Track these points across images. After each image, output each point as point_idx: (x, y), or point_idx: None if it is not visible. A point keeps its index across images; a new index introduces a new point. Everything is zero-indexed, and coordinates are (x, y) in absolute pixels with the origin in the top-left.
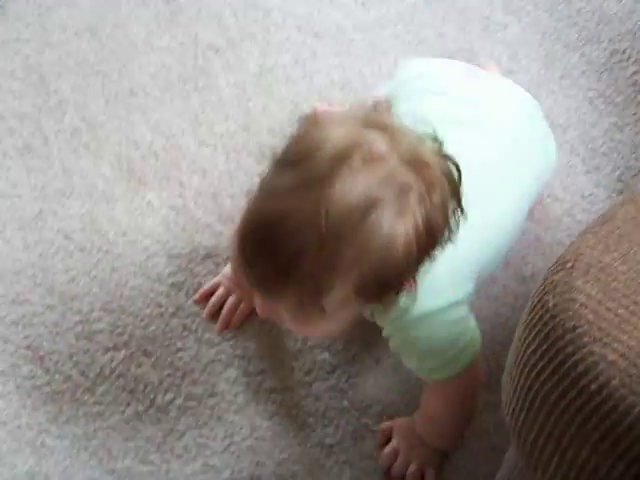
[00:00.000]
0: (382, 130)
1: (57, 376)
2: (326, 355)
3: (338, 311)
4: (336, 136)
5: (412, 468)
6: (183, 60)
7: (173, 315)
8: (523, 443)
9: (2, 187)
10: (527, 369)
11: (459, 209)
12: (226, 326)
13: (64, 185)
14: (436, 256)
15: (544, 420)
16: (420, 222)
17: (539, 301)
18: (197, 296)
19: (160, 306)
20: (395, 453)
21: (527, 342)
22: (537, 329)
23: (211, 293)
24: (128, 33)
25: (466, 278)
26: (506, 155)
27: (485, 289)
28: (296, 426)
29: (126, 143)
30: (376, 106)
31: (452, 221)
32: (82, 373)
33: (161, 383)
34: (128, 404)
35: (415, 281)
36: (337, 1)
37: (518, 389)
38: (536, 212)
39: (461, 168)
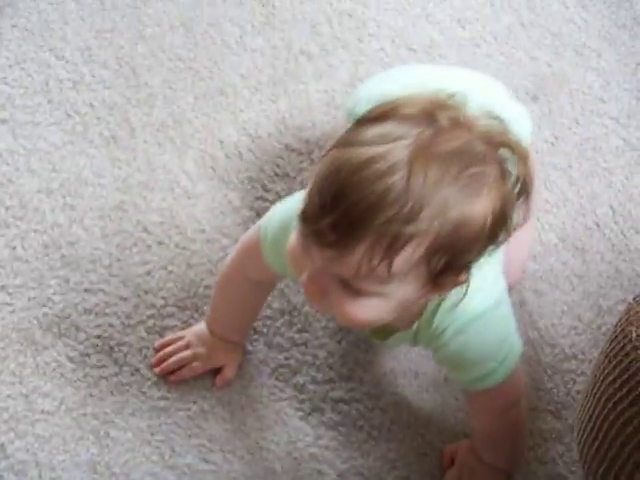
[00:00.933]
0: (458, 109)
1: (125, 368)
2: (395, 367)
3: (401, 279)
4: (419, 99)
5: None
6: (274, 63)
7: None
8: (593, 474)
9: (85, 175)
10: (604, 399)
11: (527, 199)
12: (167, 373)
13: (147, 178)
14: (499, 245)
15: (617, 452)
16: (497, 203)
17: (622, 331)
18: (157, 344)
19: None
20: (458, 476)
21: (606, 372)
22: (617, 359)
23: (171, 344)
24: (222, 32)
25: (500, 270)
26: None
27: (560, 317)
28: (360, 438)
29: (212, 141)
30: (452, 95)
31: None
32: (150, 367)
33: (229, 385)
34: (194, 402)
35: (469, 273)
36: (433, 16)
37: (593, 418)
38: (616, 244)
39: None
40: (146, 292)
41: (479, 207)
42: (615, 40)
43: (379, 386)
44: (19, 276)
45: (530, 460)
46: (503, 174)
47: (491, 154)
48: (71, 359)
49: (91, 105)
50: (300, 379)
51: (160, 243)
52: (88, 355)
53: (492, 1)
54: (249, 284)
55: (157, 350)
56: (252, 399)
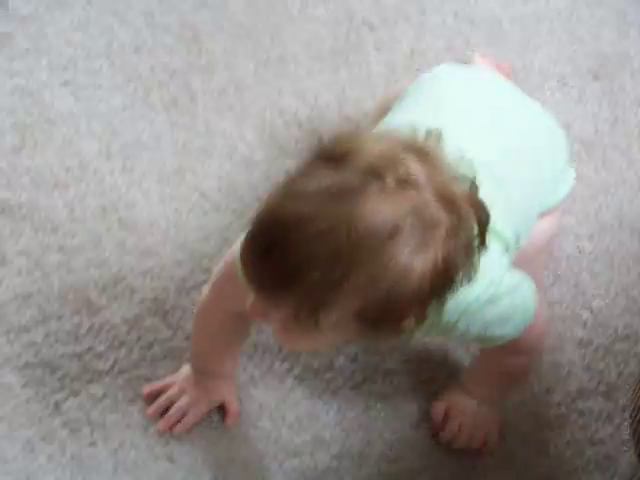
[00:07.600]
0: (422, 158)
1: (179, 332)
2: (447, 347)
3: (331, 331)
4: (372, 150)
5: (478, 434)
6: (336, 33)
7: None
8: None
9: (145, 139)
10: None
11: (481, 250)
12: (169, 428)
13: (205, 144)
14: (447, 297)
15: None
16: (440, 261)
17: None
18: (146, 391)
19: None
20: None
21: None
22: None
23: (162, 391)
24: (284, 0)
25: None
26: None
27: (614, 298)
28: (410, 410)
29: (271, 109)
30: (427, 134)
31: (473, 260)
32: None
33: (280, 351)
34: (244, 369)
35: (423, 317)
36: None
37: None
38: None
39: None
40: (202, 257)
41: (415, 272)
42: None
43: (433, 359)
44: (76, 237)
45: (580, 441)
46: (455, 230)
47: (443, 212)
48: (125, 321)
49: (152, 70)
50: (352, 349)
51: (217, 209)
52: (142, 318)
53: None
54: (230, 317)
55: (146, 397)
56: (303, 367)
